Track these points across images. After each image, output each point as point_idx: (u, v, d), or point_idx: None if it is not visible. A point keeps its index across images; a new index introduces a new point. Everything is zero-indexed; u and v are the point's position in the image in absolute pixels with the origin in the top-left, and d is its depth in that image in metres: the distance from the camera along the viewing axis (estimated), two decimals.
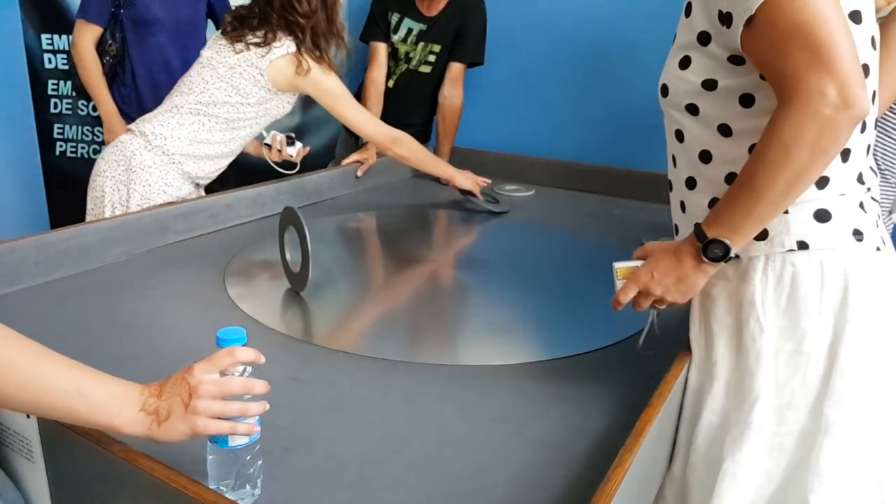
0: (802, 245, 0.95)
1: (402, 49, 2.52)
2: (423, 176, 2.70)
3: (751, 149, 0.95)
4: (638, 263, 1.04)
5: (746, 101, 0.95)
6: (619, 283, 1.04)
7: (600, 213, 2.24)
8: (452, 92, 2.55)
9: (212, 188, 2.05)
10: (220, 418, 0.75)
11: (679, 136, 1.06)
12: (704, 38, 0.96)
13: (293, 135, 1.79)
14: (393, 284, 1.62)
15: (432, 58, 2.53)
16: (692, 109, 1.01)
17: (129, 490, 0.77)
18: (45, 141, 3.02)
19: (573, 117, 2.64)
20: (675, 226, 1.15)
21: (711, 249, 0.93)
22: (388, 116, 2.55)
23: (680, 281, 0.98)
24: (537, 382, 1.11)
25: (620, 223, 2.11)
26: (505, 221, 2.11)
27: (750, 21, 0.85)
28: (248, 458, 0.80)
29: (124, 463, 0.74)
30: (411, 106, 2.64)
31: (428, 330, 1.35)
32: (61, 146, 3.04)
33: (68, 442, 0.78)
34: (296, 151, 1.90)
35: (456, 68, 2.53)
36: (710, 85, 0.97)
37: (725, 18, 0.91)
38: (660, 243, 1.04)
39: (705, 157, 1.02)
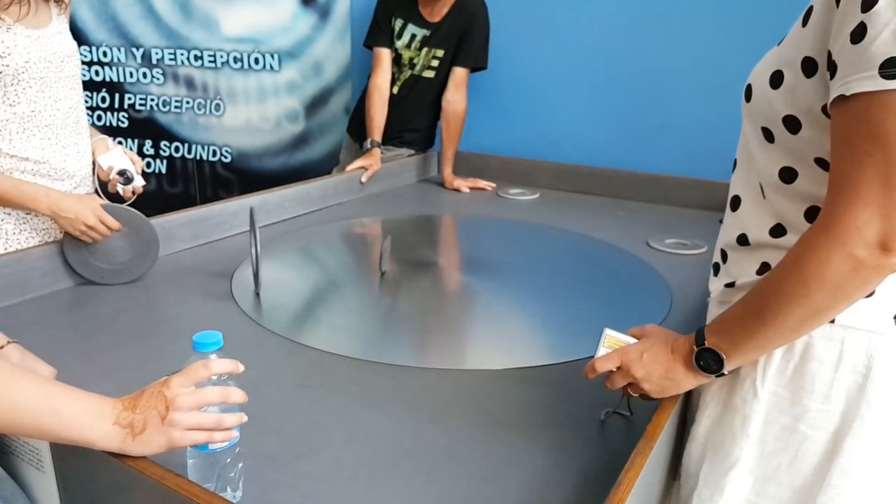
0: None
1: (406, 55, 2.52)
2: (427, 181, 2.71)
3: (807, 212, 0.83)
4: (630, 340, 0.96)
5: (826, 165, 0.78)
6: (602, 350, 0.96)
7: (605, 216, 2.23)
8: (456, 96, 2.55)
9: (217, 196, 2.04)
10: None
11: (746, 150, 0.93)
12: (810, 68, 0.78)
13: (128, 171, 1.55)
14: (399, 289, 1.62)
15: (436, 63, 2.53)
16: (768, 135, 0.86)
17: (139, 499, 0.76)
18: None
19: (577, 120, 2.64)
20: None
21: (704, 358, 0.85)
22: (392, 122, 2.56)
23: (666, 375, 0.90)
24: (546, 386, 1.11)
25: (626, 225, 2.10)
26: (510, 225, 2.11)
27: (844, 98, 0.71)
28: (228, 461, 0.80)
29: (134, 472, 0.74)
30: (415, 111, 2.64)
31: (435, 335, 1.34)
32: None
33: (78, 451, 0.78)
34: (130, 189, 1.58)
35: (459, 73, 2.53)
36: (792, 125, 0.82)
37: (831, 66, 0.74)
38: (660, 329, 0.96)
39: (760, 191, 0.90)
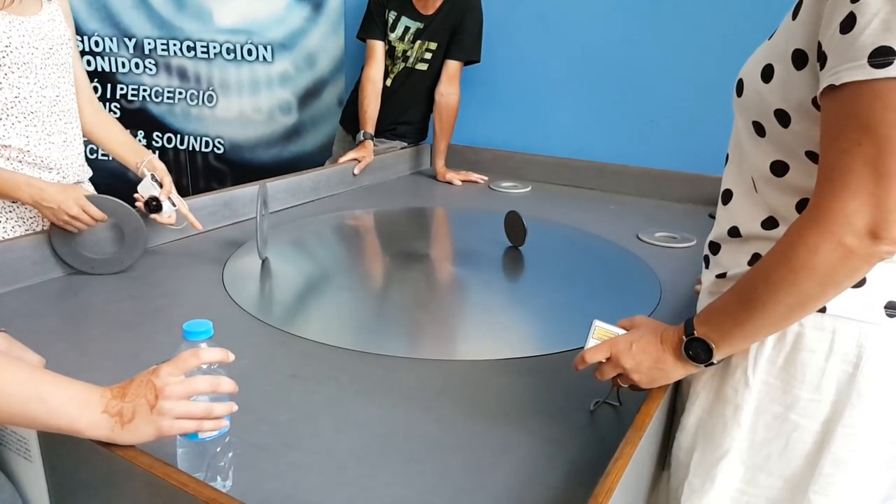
0: None
1: (400, 47, 2.52)
2: (419, 173, 2.71)
3: (798, 205, 0.84)
4: (620, 331, 0.96)
5: (817, 158, 0.76)
6: (591, 342, 0.96)
7: (596, 209, 2.24)
8: (449, 89, 2.55)
9: (209, 187, 2.04)
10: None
11: (737, 144, 0.93)
12: (800, 60, 0.78)
13: (155, 200, 1.53)
14: (391, 281, 1.62)
15: (429, 55, 2.52)
16: (759, 129, 0.86)
17: (128, 488, 0.76)
18: None
19: (569, 114, 2.64)
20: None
21: (694, 348, 0.85)
22: (386, 114, 2.56)
23: (655, 365, 0.90)
24: (536, 377, 1.11)
25: (616, 218, 2.11)
26: (502, 217, 2.11)
27: (834, 88, 0.71)
28: (218, 450, 0.80)
29: (123, 461, 0.73)
30: (408, 104, 2.64)
31: (427, 326, 1.35)
32: None
33: (66, 440, 0.78)
34: (164, 217, 1.56)
35: (452, 66, 2.53)
36: (783, 119, 0.82)
37: (821, 57, 0.73)
38: (649, 320, 0.96)
39: (752, 184, 0.91)
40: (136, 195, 1.56)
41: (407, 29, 2.49)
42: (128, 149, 1.66)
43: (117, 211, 1.47)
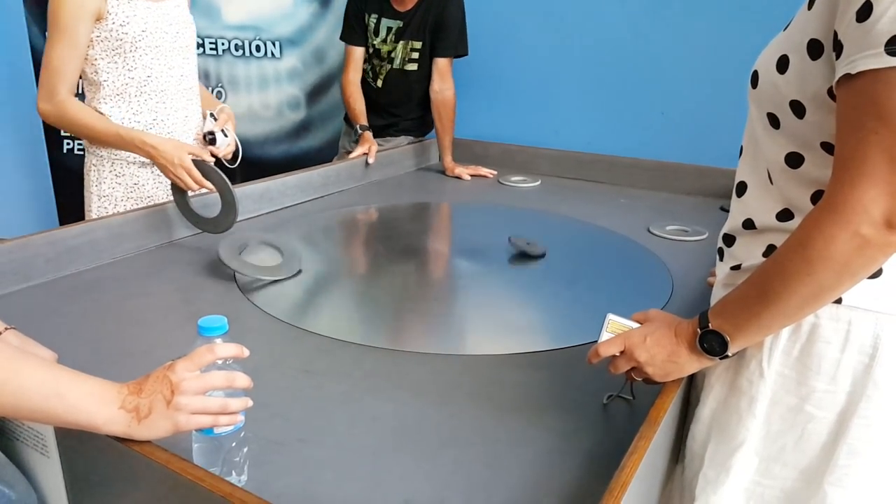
0: None
1: (384, 49, 2.50)
2: (428, 168, 2.71)
3: (814, 196, 0.83)
4: (633, 325, 0.95)
5: (832, 149, 0.76)
6: (605, 335, 0.95)
7: (607, 202, 2.23)
8: (443, 86, 2.52)
9: None
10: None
11: (752, 136, 0.93)
12: (815, 50, 0.77)
13: (213, 132, 1.71)
14: (402, 276, 1.62)
15: (416, 55, 2.50)
16: (773, 121, 0.86)
17: (144, 483, 0.77)
18: (52, 139, 3.03)
19: (578, 107, 2.63)
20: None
21: (708, 340, 0.85)
22: (386, 115, 2.58)
23: (670, 358, 0.89)
24: (549, 371, 1.11)
25: (627, 212, 2.10)
26: (512, 212, 2.11)
27: (850, 77, 0.70)
28: (234, 445, 0.80)
29: (139, 456, 0.74)
30: (403, 103, 2.63)
31: (439, 320, 1.35)
32: (68, 144, 3.05)
33: (83, 436, 0.78)
34: (220, 149, 1.72)
35: (442, 63, 2.51)
36: (798, 110, 0.81)
37: (837, 46, 0.73)
38: (663, 313, 0.96)
39: (767, 176, 0.90)
40: (196, 132, 1.79)
41: (389, 29, 2.48)
42: (207, 104, 1.87)
43: (213, 179, 1.59)
